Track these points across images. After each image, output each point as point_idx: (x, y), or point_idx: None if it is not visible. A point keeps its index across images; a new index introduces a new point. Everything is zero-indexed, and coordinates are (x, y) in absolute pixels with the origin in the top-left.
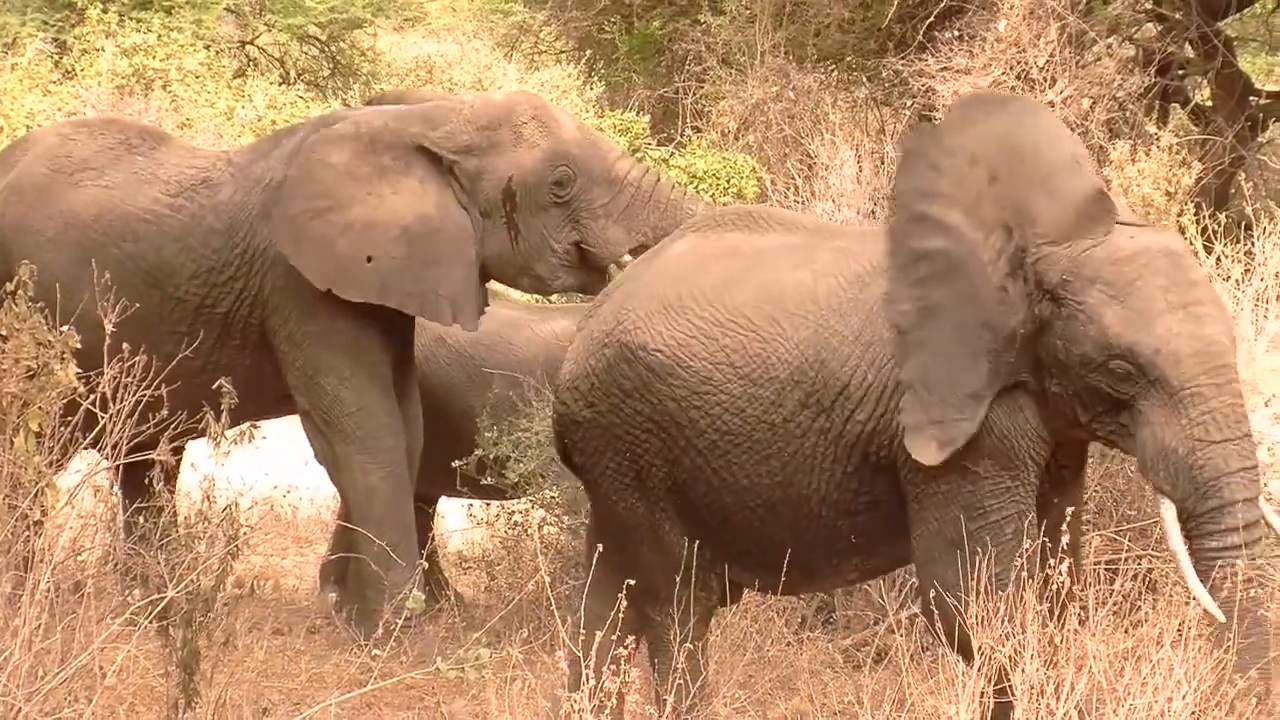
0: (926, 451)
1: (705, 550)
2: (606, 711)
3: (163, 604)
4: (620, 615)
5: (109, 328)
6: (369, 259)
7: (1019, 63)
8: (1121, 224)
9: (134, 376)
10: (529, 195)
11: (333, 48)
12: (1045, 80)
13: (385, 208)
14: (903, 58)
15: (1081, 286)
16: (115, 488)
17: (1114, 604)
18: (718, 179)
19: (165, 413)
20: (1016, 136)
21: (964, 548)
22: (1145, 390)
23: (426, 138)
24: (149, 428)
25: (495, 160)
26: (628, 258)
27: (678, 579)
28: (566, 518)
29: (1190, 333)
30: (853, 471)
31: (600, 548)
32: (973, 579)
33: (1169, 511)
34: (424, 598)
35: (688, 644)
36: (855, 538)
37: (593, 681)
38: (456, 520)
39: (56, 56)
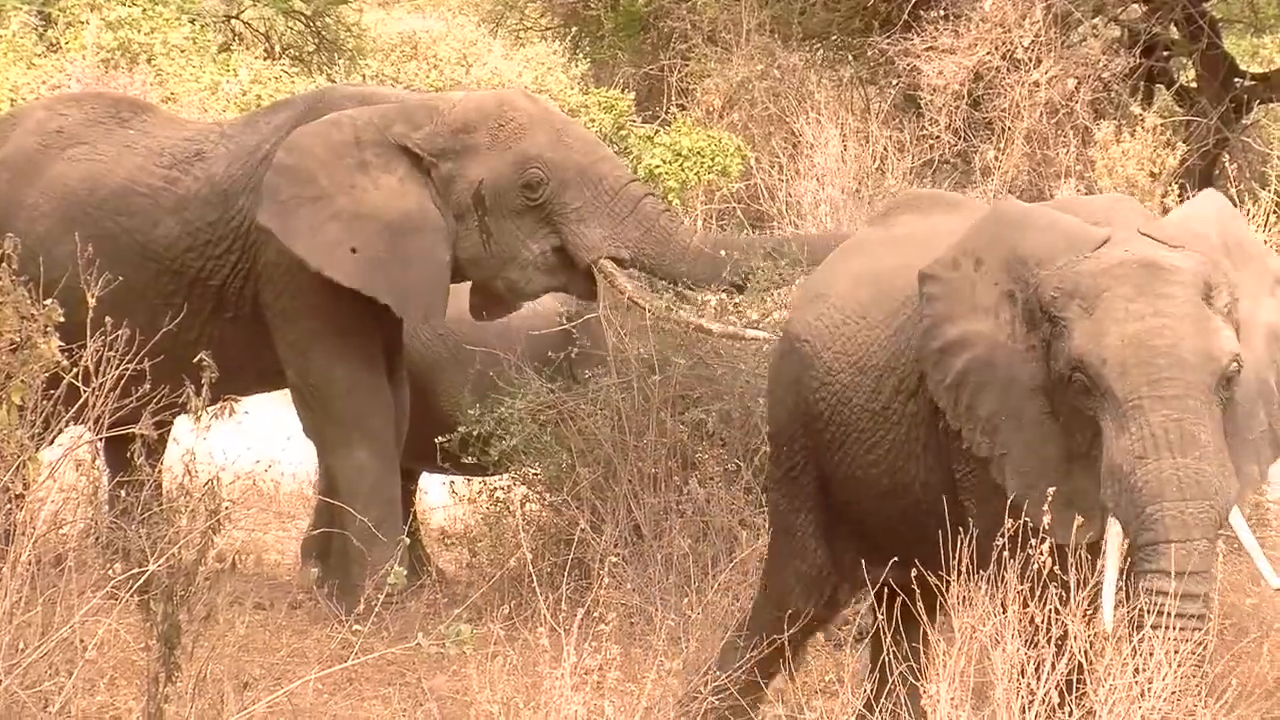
0: (1081, 532)
1: (845, 554)
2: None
3: (144, 578)
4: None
5: (99, 302)
6: (353, 249)
7: (1004, 43)
8: (1141, 234)
9: (120, 349)
10: (499, 199)
11: (318, 23)
12: (1030, 60)
13: (368, 202)
14: (888, 36)
15: (1064, 303)
16: (99, 461)
17: (1095, 585)
18: (702, 157)
19: (160, 386)
20: (980, 215)
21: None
22: (1101, 404)
23: (408, 138)
24: (143, 401)
25: (467, 164)
26: (606, 263)
27: (797, 583)
28: (548, 494)
29: (1141, 343)
30: (943, 454)
31: None
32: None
33: (1113, 526)
34: (405, 573)
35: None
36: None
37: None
38: (439, 496)
39: (41, 29)
